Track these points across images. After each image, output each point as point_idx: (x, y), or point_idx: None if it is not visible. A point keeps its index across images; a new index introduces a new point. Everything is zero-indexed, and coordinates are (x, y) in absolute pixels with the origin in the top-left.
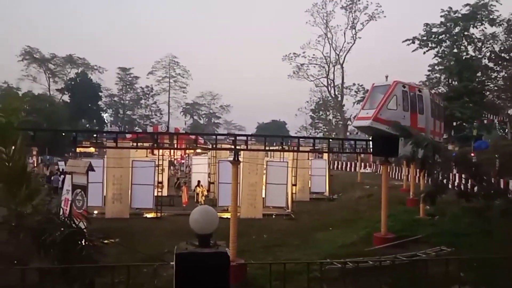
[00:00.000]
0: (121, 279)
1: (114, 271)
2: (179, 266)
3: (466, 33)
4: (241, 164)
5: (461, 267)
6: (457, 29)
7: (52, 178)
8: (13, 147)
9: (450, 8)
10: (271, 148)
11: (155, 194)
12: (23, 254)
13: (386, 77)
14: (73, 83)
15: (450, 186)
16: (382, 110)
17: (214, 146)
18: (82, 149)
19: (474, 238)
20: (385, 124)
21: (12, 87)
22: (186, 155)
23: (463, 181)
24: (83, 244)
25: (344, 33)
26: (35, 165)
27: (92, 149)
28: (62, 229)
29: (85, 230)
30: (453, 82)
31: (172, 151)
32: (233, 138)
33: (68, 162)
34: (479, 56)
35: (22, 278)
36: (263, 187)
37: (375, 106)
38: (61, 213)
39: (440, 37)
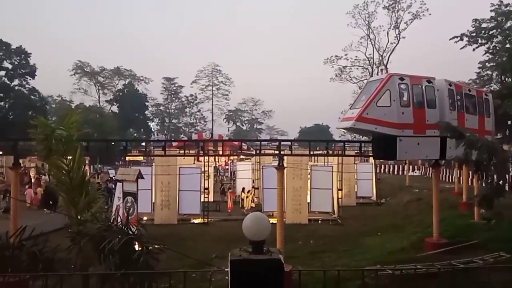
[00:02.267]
0: (172, 284)
1: (171, 277)
2: (234, 273)
3: None
4: (285, 169)
5: None
6: (509, 23)
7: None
8: (70, 157)
9: (501, 1)
10: (315, 152)
11: (202, 200)
12: (84, 260)
13: (381, 70)
14: (121, 94)
15: (507, 188)
16: (369, 108)
17: (258, 152)
18: (131, 158)
19: None
20: (374, 124)
21: (66, 100)
22: (230, 161)
23: None
24: (140, 250)
25: (387, 34)
26: (88, 174)
27: (140, 157)
28: (120, 236)
29: (141, 236)
30: (506, 79)
31: (216, 157)
32: (277, 144)
33: (119, 170)
34: None
35: (84, 284)
36: (308, 192)
37: (362, 104)
38: (118, 220)
39: (491, 32)
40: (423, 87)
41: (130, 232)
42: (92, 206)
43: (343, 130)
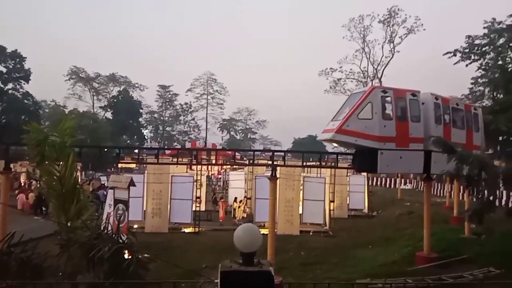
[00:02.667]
0: None
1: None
2: (224, 284)
3: (511, 44)
4: (278, 179)
5: None
6: (501, 40)
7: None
8: (62, 163)
9: (494, 19)
10: (308, 163)
11: (193, 209)
12: (73, 268)
13: (365, 83)
14: (115, 100)
15: (498, 204)
16: (350, 121)
17: (251, 161)
18: (123, 165)
19: None
20: (354, 136)
21: (60, 105)
22: (223, 170)
23: None
24: (129, 259)
25: (382, 47)
26: (80, 180)
27: (133, 165)
28: (110, 244)
29: (131, 245)
30: (498, 95)
31: (209, 166)
32: (270, 154)
33: (111, 177)
34: None
35: None
36: (300, 203)
37: (343, 116)
38: (108, 228)
39: (484, 49)
40: (407, 100)
41: (120, 240)
42: (83, 213)
43: (324, 141)
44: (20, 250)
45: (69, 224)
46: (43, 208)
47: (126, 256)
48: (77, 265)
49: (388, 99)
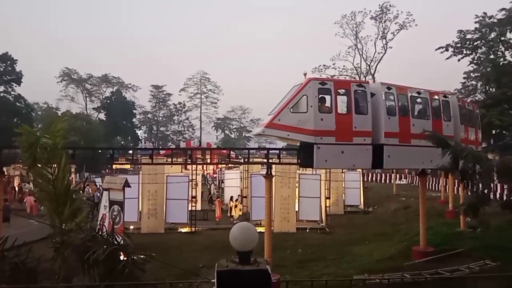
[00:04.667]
0: None
1: None
2: (220, 284)
3: (502, 38)
4: (274, 177)
5: (510, 284)
6: (493, 35)
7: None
8: (55, 166)
9: (485, 13)
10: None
11: (189, 208)
12: (68, 271)
13: (305, 74)
14: (108, 101)
15: (492, 197)
16: (282, 115)
17: (246, 160)
18: (117, 166)
19: None
20: (286, 130)
21: (52, 107)
22: (218, 169)
23: (506, 192)
24: (125, 260)
25: (375, 44)
26: (74, 182)
27: (127, 166)
28: (105, 246)
29: (127, 246)
30: (491, 89)
31: (204, 165)
32: (265, 152)
33: (105, 179)
34: None
35: None
36: (296, 201)
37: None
38: (103, 229)
39: (475, 43)
40: (352, 91)
41: (115, 242)
42: (76, 215)
43: (257, 136)
44: (14, 254)
45: (63, 227)
46: None
47: (121, 257)
48: (72, 268)
49: (327, 91)
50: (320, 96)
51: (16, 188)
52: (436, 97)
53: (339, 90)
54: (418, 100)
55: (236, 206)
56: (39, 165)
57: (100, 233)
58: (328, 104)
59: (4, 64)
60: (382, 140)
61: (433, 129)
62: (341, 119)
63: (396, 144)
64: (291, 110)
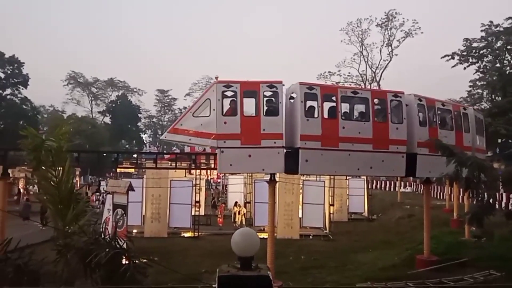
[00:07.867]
0: None
1: None
2: None
3: (509, 47)
4: (277, 183)
5: None
6: (499, 43)
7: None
8: (60, 169)
9: (491, 22)
10: None
11: (193, 213)
12: (70, 273)
13: (216, 78)
14: (114, 105)
15: (497, 206)
16: (184, 119)
17: None
18: (122, 169)
19: None
20: (187, 135)
21: (58, 110)
22: (222, 174)
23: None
24: (127, 264)
25: (380, 51)
26: (78, 185)
27: (131, 169)
28: (107, 249)
29: (129, 250)
30: (497, 98)
31: (208, 170)
32: None
33: (109, 182)
34: None
35: None
36: (300, 207)
37: None
38: (106, 233)
39: (481, 52)
40: (261, 93)
41: (118, 245)
42: (80, 218)
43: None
44: (17, 256)
45: (66, 229)
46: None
47: (123, 261)
48: (75, 270)
49: (232, 93)
50: (224, 99)
51: (21, 190)
52: (382, 97)
53: (246, 92)
54: (353, 99)
55: (239, 212)
56: (44, 168)
57: (103, 236)
58: (233, 106)
59: (11, 67)
60: (298, 144)
61: (374, 131)
62: (246, 122)
63: (316, 148)
64: (194, 115)
